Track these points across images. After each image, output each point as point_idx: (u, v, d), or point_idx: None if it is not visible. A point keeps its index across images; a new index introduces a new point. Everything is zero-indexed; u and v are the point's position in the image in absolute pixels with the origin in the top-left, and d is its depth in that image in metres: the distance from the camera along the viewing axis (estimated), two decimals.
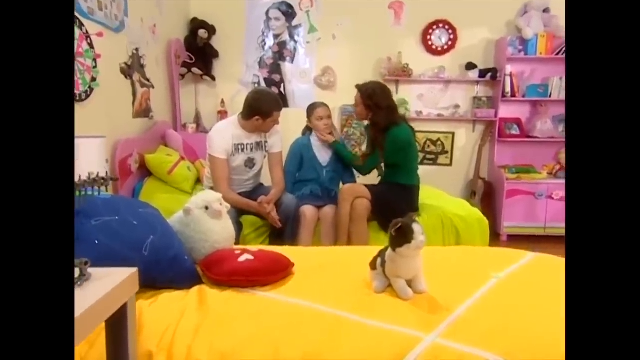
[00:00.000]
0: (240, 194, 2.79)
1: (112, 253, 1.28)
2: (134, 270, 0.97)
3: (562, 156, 4.19)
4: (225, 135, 2.66)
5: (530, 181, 4.02)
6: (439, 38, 4.33)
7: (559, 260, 1.76)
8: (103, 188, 1.13)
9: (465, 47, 4.33)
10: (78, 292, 0.80)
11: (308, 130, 3.20)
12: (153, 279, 1.38)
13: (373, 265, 1.44)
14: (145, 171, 3.10)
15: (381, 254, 1.43)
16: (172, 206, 2.88)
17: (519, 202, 3.99)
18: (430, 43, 4.33)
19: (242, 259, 1.45)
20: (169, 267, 1.40)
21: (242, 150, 2.72)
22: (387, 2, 4.33)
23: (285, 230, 2.70)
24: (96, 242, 1.27)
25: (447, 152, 4.44)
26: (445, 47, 4.33)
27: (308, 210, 2.81)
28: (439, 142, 4.44)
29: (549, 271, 1.60)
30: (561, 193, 3.95)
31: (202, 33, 4.18)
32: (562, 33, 4.12)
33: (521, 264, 1.63)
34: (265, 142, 2.80)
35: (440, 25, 4.30)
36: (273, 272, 1.44)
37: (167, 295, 1.36)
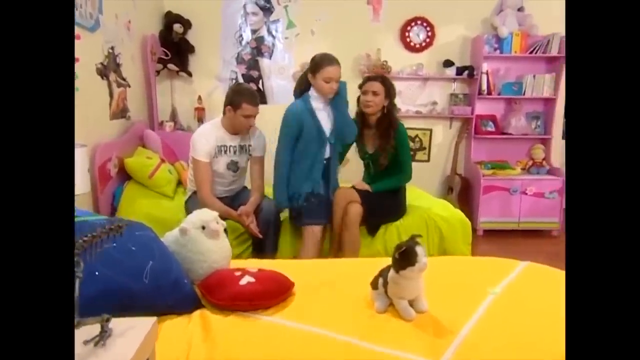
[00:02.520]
0: (223, 197, 2.76)
1: (113, 284, 1.24)
2: (153, 320, 0.94)
3: (535, 152, 4.31)
4: (209, 138, 2.61)
5: (505, 177, 4.12)
6: (417, 35, 4.35)
7: (551, 270, 1.82)
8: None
9: (443, 44, 4.36)
10: (102, 354, 0.77)
11: (300, 90, 2.65)
12: (154, 305, 1.35)
13: (374, 285, 1.46)
14: (124, 175, 3.01)
15: (382, 273, 1.44)
16: (155, 211, 2.85)
17: (494, 198, 4.09)
18: (408, 40, 4.34)
19: (243, 281, 1.43)
20: (169, 292, 1.37)
21: (225, 152, 2.68)
22: None
23: (265, 240, 2.68)
24: (96, 273, 1.23)
25: (424, 149, 4.50)
26: (423, 44, 4.35)
27: (314, 231, 2.59)
28: (417, 139, 4.48)
29: (543, 283, 1.66)
30: (535, 189, 4.08)
31: (177, 27, 4.05)
32: (536, 31, 4.21)
33: (514, 276, 1.67)
34: (249, 145, 2.77)
35: (418, 22, 4.32)
36: (275, 295, 1.43)
37: (169, 323, 1.33)
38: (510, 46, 4.17)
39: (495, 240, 4.03)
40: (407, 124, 4.40)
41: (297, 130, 2.53)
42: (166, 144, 3.48)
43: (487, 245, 3.90)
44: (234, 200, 2.80)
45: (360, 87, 2.82)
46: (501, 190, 4.09)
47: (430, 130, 4.47)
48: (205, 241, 1.57)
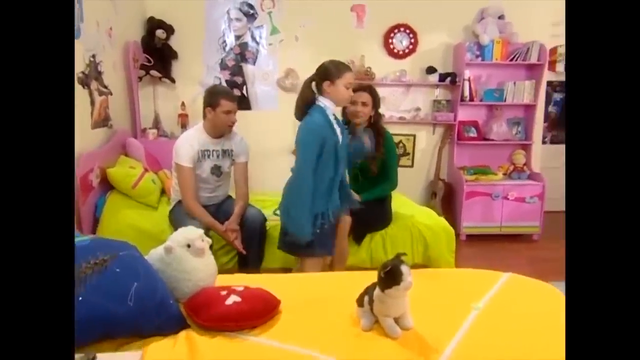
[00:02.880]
0: (208, 206, 2.75)
1: (97, 310, 1.22)
2: (139, 355, 0.94)
3: (516, 157, 4.39)
4: (192, 143, 2.63)
5: (487, 182, 4.18)
6: (400, 42, 4.38)
7: (533, 282, 1.86)
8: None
9: (426, 51, 4.40)
10: None
11: (307, 105, 2.26)
12: (140, 328, 1.34)
13: (360, 302, 1.47)
14: (106, 185, 2.97)
15: (368, 291, 1.45)
16: (138, 222, 2.82)
17: (476, 203, 4.15)
18: (391, 46, 4.37)
19: (229, 301, 1.43)
20: (155, 314, 1.36)
21: (209, 156, 2.69)
22: (349, 5, 4.32)
23: (251, 250, 2.68)
24: (80, 299, 1.21)
25: (408, 154, 4.53)
26: (406, 50, 4.38)
27: (319, 262, 2.38)
28: (400, 144, 4.51)
29: (525, 295, 1.69)
30: (516, 194, 4.15)
31: (160, 33, 4.01)
32: (516, 39, 4.27)
33: (496, 290, 1.70)
34: (232, 150, 2.77)
35: (401, 29, 4.35)
36: (262, 315, 1.43)
37: (155, 345, 1.32)
38: (491, 53, 4.23)
39: (478, 244, 4.08)
40: (391, 129, 4.40)
41: (321, 148, 2.17)
42: (149, 152, 3.44)
43: (469, 250, 3.95)
44: (218, 210, 2.78)
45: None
46: (483, 196, 4.15)
47: (414, 136, 4.51)
48: (190, 259, 1.56)
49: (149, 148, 3.48)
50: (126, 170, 3.01)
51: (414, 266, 2.95)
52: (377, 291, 1.39)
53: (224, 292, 1.49)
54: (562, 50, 4.99)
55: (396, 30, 4.35)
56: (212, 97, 2.61)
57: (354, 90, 2.63)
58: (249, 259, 2.67)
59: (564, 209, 3.99)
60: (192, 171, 2.61)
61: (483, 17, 4.28)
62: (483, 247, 4.03)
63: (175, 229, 2.67)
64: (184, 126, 4.17)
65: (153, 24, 4.02)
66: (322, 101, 2.24)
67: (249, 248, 2.67)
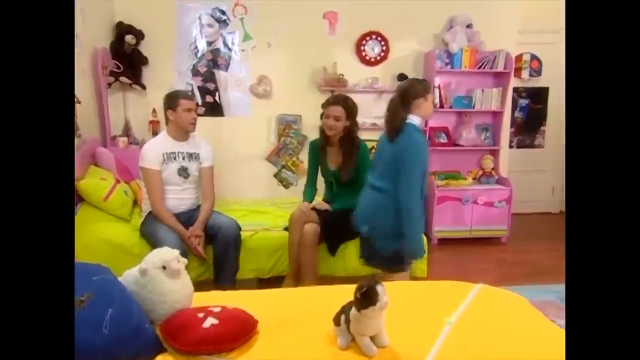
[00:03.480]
0: (179, 214, 2.74)
1: None
2: None
3: (485, 162, 4.49)
4: (157, 145, 2.74)
5: (457, 188, 4.27)
6: (372, 49, 4.42)
7: (504, 292, 1.91)
8: None
9: (397, 58, 4.46)
10: None
11: (400, 124, 2.28)
12: (115, 356, 1.31)
13: (337, 322, 1.48)
14: (76, 198, 2.89)
15: (344, 310, 1.47)
16: (111, 236, 2.77)
17: (447, 208, 4.24)
18: (363, 54, 4.40)
19: (206, 324, 1.42)
20: (131, 340, 1.34)
21: (174, 158, 2.76)
22: (321, 12, 4.33)
23: (226, 261, 2.68)
24: None
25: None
26: (378, 57, 4.43)
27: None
28: (373, 150, 4.54)
29: (495, 307, 1.74)
30: (485, 198, 4.26)
31: (130, 39, 3.93)
32: (484, 47, 4.38)
33: (469, 302, 1.75)
34: (198, 153, 2.83)
35: (373, 36, 4.39)
36: (239, 337, 1.43)
37: None
38: (460, 61, 4.32)
39: (449, 248, 4.17)
40: (363, 136, 4.45)
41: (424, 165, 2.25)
42: (120, 161, 3.37)
43: (441, 254, 4.03)
44: (190, 219, 2.77)
45: (323, 107, 2.87)
46: (454, 201, 4.23)
47: None
48: (166, 281, 1.55)
49: (119, 157, 3.41)
50: (97, 181, 2.93)
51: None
52: (353, 311, 1.41)
53: (200, 314, 1.48)
54: (527, 57, 5.15)
55: (368, 38, 4.38)
56: (171, 100, 2.74)
57: (329, 104, 2.72)
58: (225, 270, 2.65)
59: (529, 211, 4.13)
60: (159, 174, 2.69)
61: (452, 25, 4.36)
62: (454, 251, 4.12)
63: (148, 241, 2.67)
64: (155, 133, 4.09)
65: (122, 29, 3.93)
66: (413, 119, 2.28)
67: (223, 259, 2.67)
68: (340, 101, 2.80)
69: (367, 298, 1.36)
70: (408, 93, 2.29)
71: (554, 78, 5.30)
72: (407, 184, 2.19)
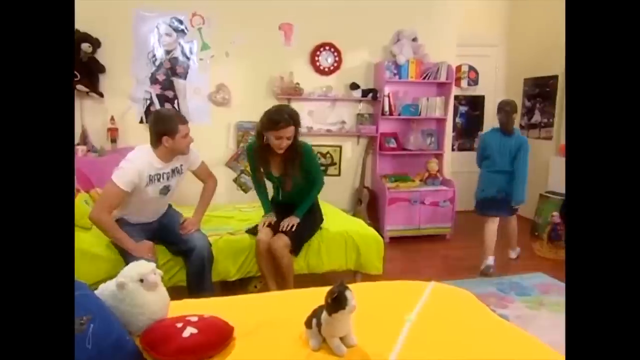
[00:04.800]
0: (151, 222, 2.70)
1: None
2: None
3: (430, 165, 4.70)
4: (141, 167, 2.44)
5: (406, 189, 4.45)
6: (326, 59, 4.51)
7: (455, 290, 2.05)
8: None
9: (349, 68, 4.57)
10: None
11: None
12: None
13: (309, 324, 1.54)
14: None
15: (316, 314, 1.53)
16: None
17: (398, 208, 4.40)
18: (318, 64, 4.48)
19: (186, 333, 1.44)
20: (113, 354, 1.33)
21: (158, 179, 2.55)
22: (277, 23, 4.37)
23: (202, 284, 2.63)
24: None
25: (335, 164, 4.68)
26: (332, 67, 4.53)
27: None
28: (328, 155, 4.65)
29: (451, 303, 1.87)
30: (431, 199, 4.46)
31: (86, 47, 3.79)
32: (428, 59, 4.58)
33: (425, 300, 1.86)
34: (181, 165, 2.67)
35: (327, 47, 4.48)
36: (218, 344, 1.45)
37: None
38: (407, 72, 4.50)
39: (400, 246, 4.33)
40: (318, 141, 4.59)
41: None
42: (80, 170, 3.25)
43: (393, 252, 4.18)
44: (160, 224, 2.73)
45: (269, 128, 2.62)
46: (404, 201, 4.41)
47: (340, 147, 4.67)
48: (144, 294, 1.54)
49: (79, 166, 3.28)
50: None
51: (347, 272, 3.11)
52: (324, 315, 1.48)
53: (179, 324, 1.49)
54: (465, 68, 5.44)
55: (322, 49, 4.47)
56: (168, 125, 2.44)
57: (279, 126, 2.58)
58: (200, 292, 2.54)
59: (470, 208, 4.39)
60: (124, 195, 2.43)
61: (399, 39, 4.53)
62: (404, 248, 4.29)
63: (118, 248, 2.57)
64: (114, 140, 3.99)
65: (79, 38, 3.78)
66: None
67: (199, 281, 2.61)
68: (291, 120, 2.60)
69: (337, 303, 1.43)
70: (513, 107, 3.60)
71: (488, 87, 5.62)
72: (525, 162, 3.54)
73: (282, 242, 2.71)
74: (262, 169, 2.87)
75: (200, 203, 2.86)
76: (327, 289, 1.96)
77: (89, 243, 2.72)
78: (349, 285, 1.48)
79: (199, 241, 2.63)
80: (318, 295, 1.62)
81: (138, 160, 2.46)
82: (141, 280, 1.56)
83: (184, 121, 2.53)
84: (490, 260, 3.62)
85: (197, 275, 2.61)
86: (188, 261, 2.64)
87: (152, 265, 1.60)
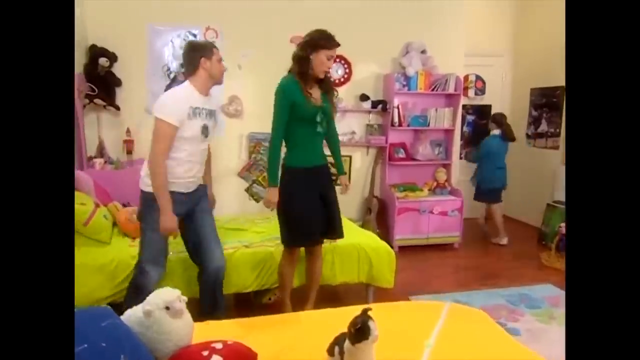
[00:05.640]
0: (189, 193, 2.43)
1: None
2: None
3: (438, 175, 4.69)
4: (182, 97, 2.27)
5: (415, 199, 4.44)
6: (336, 71, 4.50)
7: (471, 310, 2.04)
8: None
9: (359, 79, 4.56)
10: None
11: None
12: None
13: (331, 352, 1.54)
14: None
15: (338, 342, 1.53)
16: (91, 260, 2.69)
17: (407, 218, 4.39)
18: (328, 75, 4.46)
19: None
20: None
21: (199, 114, 2.33)
22: (288, 36, 4.35)
23: (216, 306, 2.55)
24: None
25: (345, 174, 4.66)
26: (342, 79, 4.52)
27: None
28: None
29: (466, 325, 1.86)
30: (440, 208, 4.44)
31: (103, 61, 3.81)
32: (437, 71, 4.57)
33: (442, 323, 1.86)
34: (215, 111, 2.50)
35: (337, 59, 4.46)
36: None
37: None
38: (416, 84, 4.48)
39: (409, 255, 4.32)
40: (328, 151, 4.57)
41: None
42: (98, 184, 3.27)
43: (402, 261, 4.13)
44: (196, 200, 2.50)
45: (324, 47, 2.48)
46: (412, 211, 4.40)
47: (350, 157, 4.66)
48: (170, 322, 1.54)
49: (97, 180, 3.30)
50: (77, 207, 2.83)
51: (359, 284, 3.11)
52: (347, 344, 1.47)
53: (205, 352, 1.49)
54: (472, 78, 5.42)
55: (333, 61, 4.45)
56: (204, 48, 2.35)
57: (334, 44, 2.54)
58: (216, 308, 2.53)
59: (476, 215, 4.39)
60: (175, 131, 2.22)
61: (408, 51, 4.51)
62: (413, 257, 4.27)
63: (143, 220, 2.39)
64: (129, 152, 4.00)
65: (96, 52, 3.80)
66: None
67: (212, 302, 2.54)
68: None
69: (361, 333, 1.43)
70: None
71: (494, 96, 5.59)
72: None
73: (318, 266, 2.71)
74: (298, 108, 2.50)
75: (209, 175, 2.71)
76: (343, 309, 1.97)
77: (108, 257, 2.74)
78: (370, 310, 1.47)
79: (219, 262, 2.52)
80: (335, 317, 1.62)
81: (177, 94, 2.31)
82: (167, 308, 1.56)
83: (216, 46, 2.43)
84: (506, 239, 4.65)
85: (210, 299, 2.54)
86: (204, 273, 2.55)
87: (177, 292, 1.60)
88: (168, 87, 3.98)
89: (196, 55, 2.34)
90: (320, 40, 2.47)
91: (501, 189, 4.66)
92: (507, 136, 4.54)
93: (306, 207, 2.51)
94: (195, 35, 4.14)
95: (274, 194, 2.49)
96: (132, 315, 1.59)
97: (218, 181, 4.33)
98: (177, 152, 2.31)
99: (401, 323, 1.88)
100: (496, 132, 4.56)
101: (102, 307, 1.52)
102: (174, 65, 4.14)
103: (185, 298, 1.65)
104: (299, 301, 2.74)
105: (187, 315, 1.65)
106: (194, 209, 2.50)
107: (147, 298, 1.60)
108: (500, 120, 4.59)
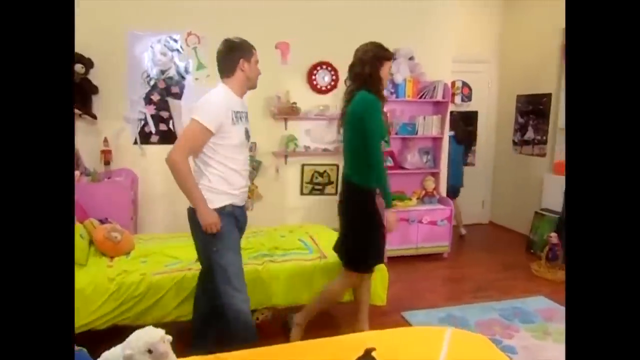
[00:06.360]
0: (239, 207, 2.23)
1: None
2: None
3: (427, 183, 4.61)
4: (224, 101, 2.10)
5: (404, 209, 4.35)
6: (323, 78, 4.38)
7: (470, 335, 1.94)
8: None
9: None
10: None
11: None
12: None
13: None
14: None
15: None
16: None
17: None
18: (315, 82, 4.35)
19: None
20: None
21: (240, 118, 2.19)
22: (273, 42, 4.23)
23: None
24: None
25: (332, 183, 4.56)
26: (329, 86, 4.40)
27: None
28: (325, 174, 4.53)
29: (469, 352, 1.76)
30: (429, 218, 4.37)
31: (79, 68, 3.61)
32: (425, 78, 4.49)
33: (446, 350, 1.75)
34: (247, 113, 2.32)
35: (323, 66, 4.35)
36: None
37: None
38: (404, 91, 4.40)
39: (398, 266, 4.22)
40: (316, 160, 4.47)
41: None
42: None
43: (392, 272, 3.97)
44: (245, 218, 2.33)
45: (388, 58, 2.50)
46: (401, 221, 4.30)
47: (337, 166, 4.54)
48: None
49: None
50: None
51: (351, 302, 2.99)
52: None
53: None
54: (459, 84, 5.37)
55: (319, 67, 4.34)
56: (244, 49, 2.20)
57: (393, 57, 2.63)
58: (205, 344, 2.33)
59: (464, 223, 4.32)
60: (208, 138, 2.06)
61: (396, 57, 4.42)
62: (403, 269, 4.17)
63: (209, 244, 2.14)
64: (107, 163, 3.80)
65: None
66: None
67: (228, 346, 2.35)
68: None
69: None
70: None
71: (481, 103, 5.57)
72: None
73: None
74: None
75: None
76: (341, 338, 1.85)
77: (85, 280, 2.55)
78: (373, 350, 1.35)
79: (233, 306, 2.17)
80: (333, 346, 1.50)
81: (219, 97, 2.11)
82: (149, 351, 1.41)
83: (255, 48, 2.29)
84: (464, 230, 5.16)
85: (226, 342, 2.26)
86: (217, 322, 2.30)
87: (161, 332, 1.45)
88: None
89: (235, 56, 2.20)
90: (385, 52, 2.44)
91: (458, 187, 4.99)
92: (456, 138, 4.87)
93: (382, 226, 2.48)
94: (176, 41, 3.97)
95: (393, 217, 2.46)
96: (111, 355, 1.44)
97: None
98: (233, 162, 2.17)
99: (404, 354, 1.76)
100: (451, 134, 4.74)
101: (79, 349, 1.37)
102: (154, 71, 3.95)
103: (169, 337, 1.50)
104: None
105: (173, 358, 1.50)
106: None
107: (128, 339, 1.45)
108: (455, 123, 5.01)
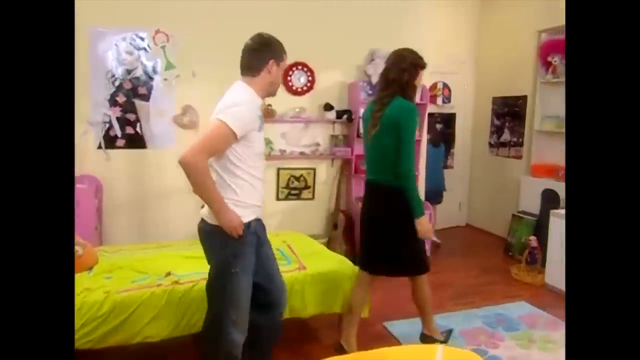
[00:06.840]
0: (258, 220, 2.09)
1: None
2: None
3: None
4: (253, 107, 1.91)
5: None
6: (299, 79, 4.24)
7: (463, 353, 1.83)
8: None
9: (323, 88, 4.32)
10: None
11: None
12: None
13: None
14: None
15: None
16: None
17: None
18: (290, 84, 4.20)
19: None
20: None
21: (262, 124, 2.03)
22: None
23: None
24: None
25: (309, 187, 4.42)
26: (305, 88, 4.26)
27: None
28: (301, 178, 4.38)
29: None
30: None
31: None
32: None
33: None
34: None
35: (299, 67, 4.21)
36: None
37: None
38: None
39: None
40: (292, 164, 4.32)
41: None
42: None
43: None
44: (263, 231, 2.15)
45: (423, 66, 2.50)
46: None
47: (314, 170, 4.41)
48: None
49: None
50: None
51: (332, 314, 2.86)
52: None
53: None
54: (440, 85, 5.33)
55: (294, 68, 4.20)
56: (277, 49, 1.98)
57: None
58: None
59: (441, 226, 4.27)
60: (231, 142, 1.86)
61: (373, 58, 4.32)
62: (382, 276, 4.06)
63: (226, 265, 1.93)
64: None
65: None
66: None
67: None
68: None
69: None
70: None
71: (458, 105, 5.54)
72: None
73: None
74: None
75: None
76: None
77: None
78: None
79: (285, 293, 2.17)
80: None
81: (249, 100, 1.91)
82: None
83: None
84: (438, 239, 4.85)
85: (267, 342, 2.20)
86: (262, 319, 2.14)
87: None
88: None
89: (266, 55, 1.97)
90: (421, 60, 2.44)
91: (440, 191, 4.94)
92: (431, 141, 4.94)
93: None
94: (143, 39, 3.74)
95: (426, 223, 2.41)
96: None
97: (167, 199, 3.95)
98: (258, 171, 2.03)
99: None
100: (427, 136, 4.73)
101: None
102: (120, 71, 3.71)
103: None
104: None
105: None
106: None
107: None
108: (431, 126, 5.03)
